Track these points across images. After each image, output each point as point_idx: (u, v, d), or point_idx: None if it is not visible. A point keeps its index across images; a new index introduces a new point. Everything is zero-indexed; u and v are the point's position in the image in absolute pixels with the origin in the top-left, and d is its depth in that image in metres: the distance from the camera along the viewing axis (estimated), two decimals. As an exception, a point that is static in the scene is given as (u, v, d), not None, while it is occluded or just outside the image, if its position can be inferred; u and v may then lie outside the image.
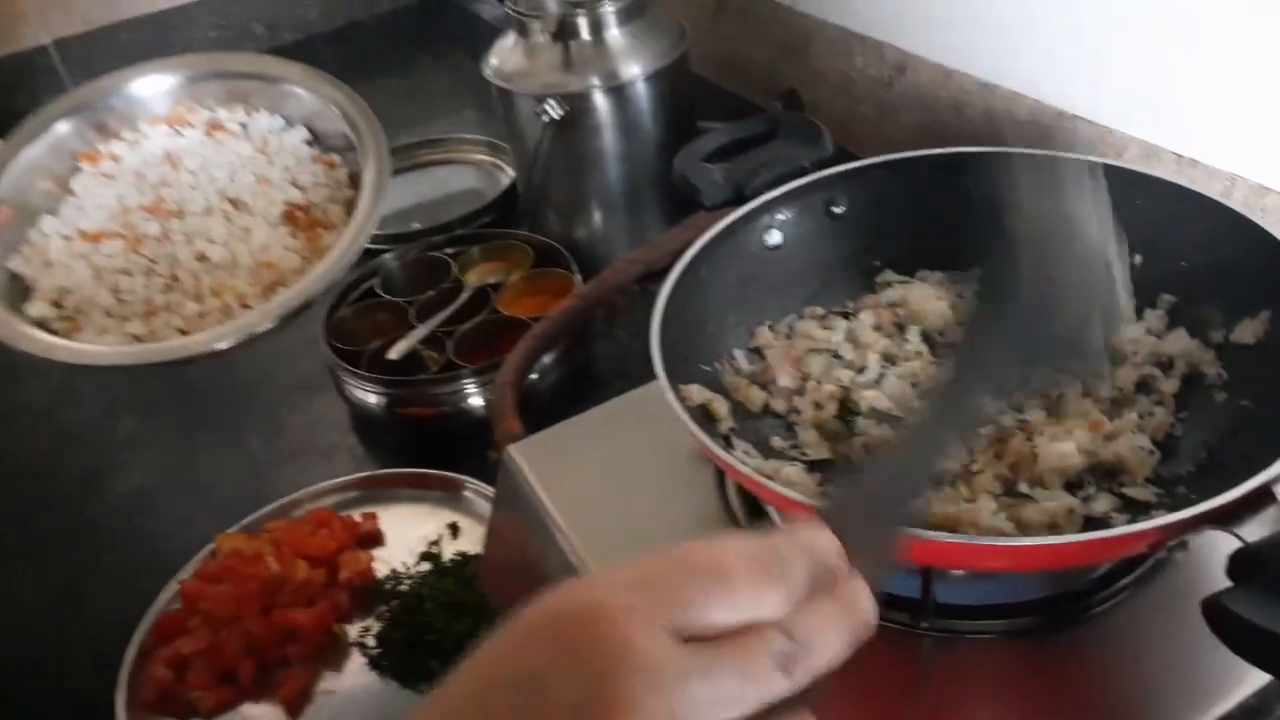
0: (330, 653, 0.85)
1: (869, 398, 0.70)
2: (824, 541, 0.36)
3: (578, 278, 1.13)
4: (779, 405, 0.73)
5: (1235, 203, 0.77)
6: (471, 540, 0.91)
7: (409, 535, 0.93)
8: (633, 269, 1.01)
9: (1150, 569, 0.60)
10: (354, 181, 0.92)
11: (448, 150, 1.57)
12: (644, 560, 0.33)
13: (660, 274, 0.75)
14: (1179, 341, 0.69)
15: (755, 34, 1.36)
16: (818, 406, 0.71)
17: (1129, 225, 0.72)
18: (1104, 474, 0.63)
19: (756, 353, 0.76)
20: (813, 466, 0.68)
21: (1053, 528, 0.59)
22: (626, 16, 1.14)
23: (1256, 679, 0.53)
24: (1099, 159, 0.81)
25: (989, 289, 0.56)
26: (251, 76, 0.99)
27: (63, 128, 0.98)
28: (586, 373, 1.12)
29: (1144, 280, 0.72)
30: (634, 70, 1.14)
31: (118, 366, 0.86)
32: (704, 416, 0.67)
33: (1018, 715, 0.58)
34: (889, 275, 0.79)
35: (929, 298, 0.76)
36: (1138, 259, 0.73)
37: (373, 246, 1.34)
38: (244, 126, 1.00)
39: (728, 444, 0.67)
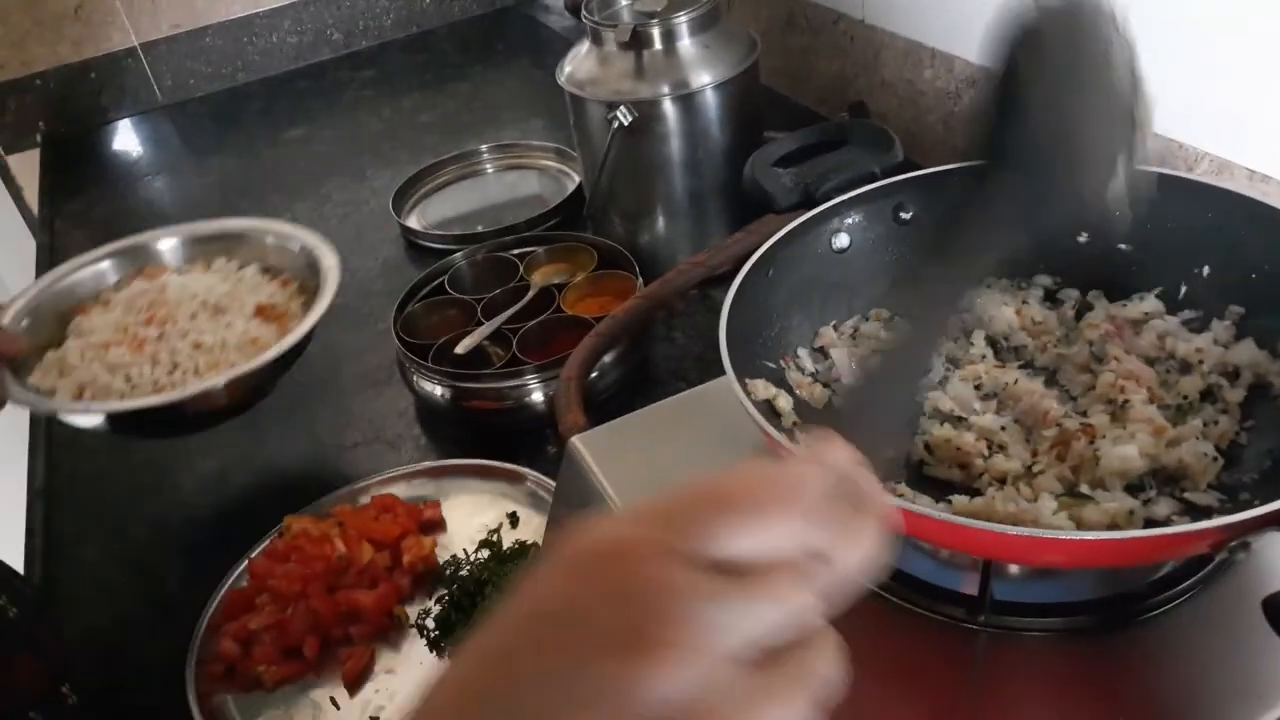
0: (391, 633, 0.87)
1: (932, 398, 0.71)
2: (840, 453, 0.37)
3: (640, 280, 1.15)
4: (842, 404, 0.74)
5: (1307, 217, 0.77)
6: (530, 530, 0.93)
7: (470, 523, 0.95)
8: (695, 271, 1.03)
9: (1211, 572, 0.60)
10: (303, 289, 1.11)
11: (516, 156, 1.61)
12: (667, 495, 0.34)
13: (721, 279, 0.76)
14: (1246, 351, 0.68)
15: (825, 46, 1.37)
16: (880, 406, 0.72)
17: (1200, 237, 0.73)
18: (1165, 478, 0.63)
19: (821, 352, 0.77)
20: (873, 464, 0.69)
21: (1113, 528, 0.59)
22: (699, 27, 1.16)
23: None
24: (1172, 171, 0.82)
25: (989, 164, 0.51)
26: (220, 236, 1.19)
27: (77, 275, 1.13)
28: (645, 373, 1.14)
29: (1213, 291, 0.73)
30: (704, 79, 1.16)
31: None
32: (769, 411, 0.69)
33: (1072, 714, 0.58)
34: (954, 281, 0.80)
35: (994, 304, 0.76)
36: (1206, 270, 0.73)
37: (442, 246, 1.38)
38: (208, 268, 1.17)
39: (791, 438, 0.68)
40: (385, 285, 1.34)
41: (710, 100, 1.17)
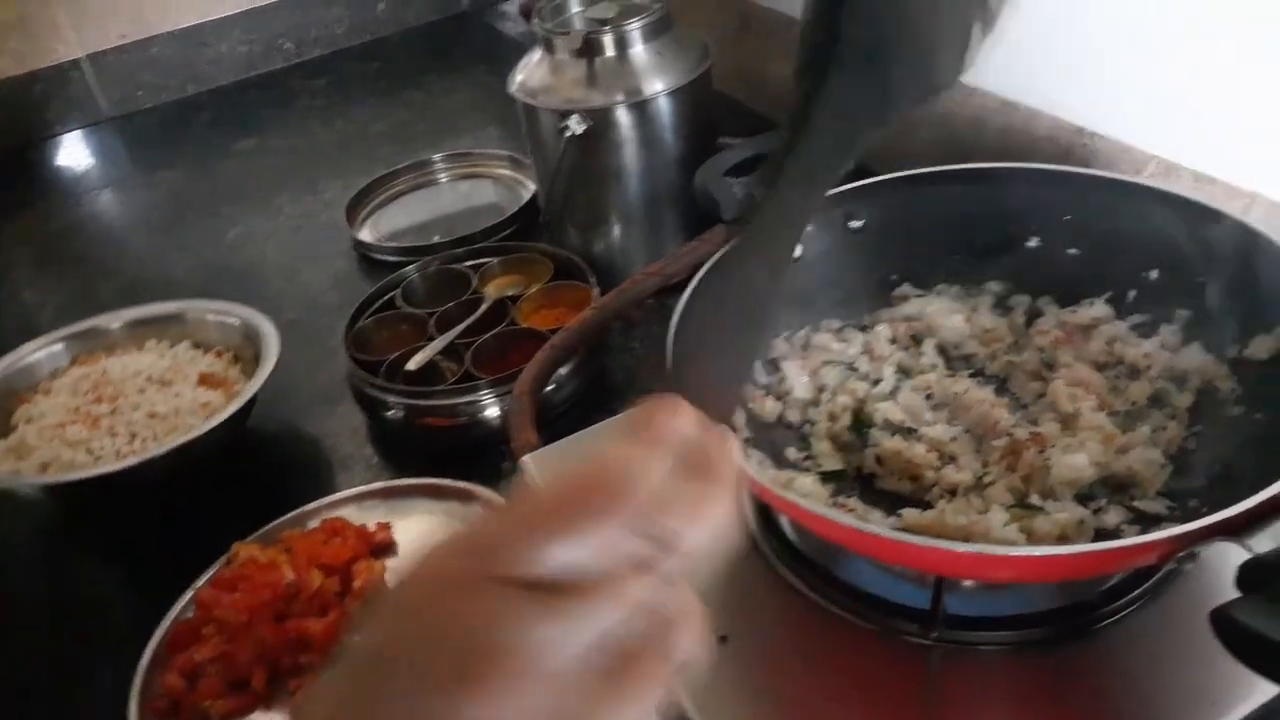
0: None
1: (883, 410, 0.70)
2: (680, 421, 0.35)
3: (596, 290, 1.14)
4: (793, 416, 0.73)
5: (1254, 220, 0.77)
6: (486, 549, 0.91)
7: (422, 545, 0.93)
8: (650, 281, 1.02)
9: (1160, 581, 0.60)
10: (238, 358, 1.16)
11: (470, 164, 1.59)
12: (490, 517, 0.33)
13: (677, 287, 0.76)
14: (1194, 356, 0.69)
15: (778, 51, 1.37)
16: (832, 418, 0.71)
17: (1148, 241, 0.73)
18: (1116, 486, 0.63)
19: (773, 364, 0.77)
20: (826, 477, 0.69)
21: (1063, 539, 0.59)
22: (651, 34, 1.15)
23: (1265, 691, 0.53)
24: (1119, 175, 0.82)
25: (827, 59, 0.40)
26: (151, 320, 1.21)
27: (10, 368, 1.15)
28: (602, 384, 1.13)
29: (1161, 295, 0.73)
30: (657, 86, 1.15)
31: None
32: (718, 426, 0.68)
33: (1028, 728, 0.57)
34: (906, 289, 0.80)
35: (945, 311, 0.76)
36: (1155, 273, 0.73)
37: (395, 259, 1.36)
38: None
39: (742, 454, 0.67)
40: (337, 299, 1.32)
41: (664, 107, 1.16)
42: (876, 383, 0.73)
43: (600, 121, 1.15)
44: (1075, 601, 0.60)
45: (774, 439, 0.71)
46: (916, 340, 0.76)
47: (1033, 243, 0.77)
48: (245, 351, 1.16)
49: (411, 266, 1.23)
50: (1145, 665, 0.57)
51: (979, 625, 0.60)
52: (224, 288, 1.28)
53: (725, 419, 0.37)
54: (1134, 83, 0.87)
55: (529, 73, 1.20)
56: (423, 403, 1.03)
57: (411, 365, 1.05)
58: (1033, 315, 0.77)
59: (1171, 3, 0.81)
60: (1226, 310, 0.68)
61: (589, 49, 1.15)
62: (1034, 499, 0.62)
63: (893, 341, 0.76)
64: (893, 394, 0.72)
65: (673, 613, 0.32)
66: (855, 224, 0.79)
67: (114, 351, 1.18)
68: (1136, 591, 0.59)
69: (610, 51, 1.15)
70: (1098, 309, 0.74)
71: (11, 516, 1.09)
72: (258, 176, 1.70)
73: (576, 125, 1.14)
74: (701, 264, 0.74)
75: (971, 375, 0.74)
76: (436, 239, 1.38)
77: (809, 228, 0.78)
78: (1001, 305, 0.78)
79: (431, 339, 1.10)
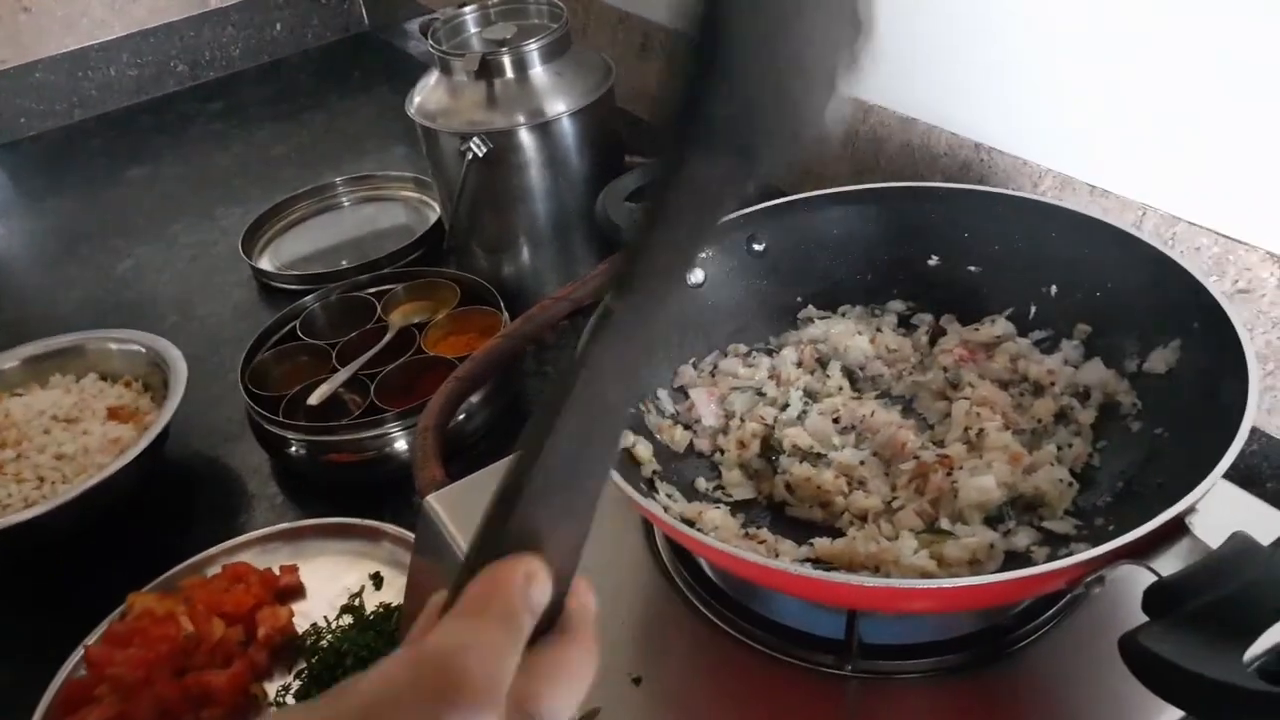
0: (250, 714, 0.81)
1: (791, 435, 0.69)
2: (533, 590, 0.33)
3: (505, 315, 1.12)
4: (703, 445, 0.72)
5: (1146, 232, 0.79)
6: (395, 590, 0.88)
7: (331, 587, 0.90)
8: (559, 306, 1.00)
9: (1072, 601, 0.60)
10: (147, 386, 1.13)
11: (374, 186, 1.55)
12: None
13: (589, 310, 0.74)
14: (1095, 371, 0.69)
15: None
16: (741, 445, 0.70)
17: (1046, 256, 0.74)
18: (1024, 507, 0.63)
19: (681, 392, 0.75)
20: (737, 507, 0.68)
21: (974, 563, 0.59)
22: (550, 54, 1.13)
23: (1175, 713, 0.53)
24: (1015, 191, 0.83)
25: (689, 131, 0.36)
26: (53, 353, 1.18)
27: None
28: (518, 411, 1.10)
29: (1060, 310, 0.73)
30: (559, 107, 1.13)
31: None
32: (626, 461, 0.66)
33: (946, 756, 0.57)
34: (811, 311, 0.79)
35: (850, 333, 0.76)
36: (1054, 289, 0.74)
37: (297, 287, 1.32)
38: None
39: (651, 488, 0.66)
40: (236, 333, 1.27)
41: (567, 128, 1.15)
42: (785, 407, 0.72)
43: (502, 144, 1.13)
44: (990, 625, 0.59)
45: (684, 469, 0.70)
46: (823, 363, 0.75)
47: (933, 261, 0.78)
48: (154, 378, 1.12)
49: (311, 296, 1.19)
50: (1063, 686, 0.57)
51: (895, 654, 0.59)
52: (117, 323, 1.23)
53: (574, 564, 0.35)
54: (1030, 98, 0.88)
55: (426, 95, 1.18)
56: (326, 438, 1.00)
57: (313, 400, 1.02)
58: (937, 334, 0.77)
59: (1064, 20, 0.82)
60: (1124, 324, 0.69)
61: (487, 70, 1.12)
62: (943, 523, 0.61)
63: (799, 365, 0.75)
64: (800, 419, 0.71)
65: None
66: (757, 247, 0.78)
67: (14, 391, 1.13)
68: (1050, 612, 0.59)
69: (510, 73, 1.13)
70: (999, 326, 0.74)
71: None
72: (151, 205, 1.64)
73: (478, 148, 1.11)
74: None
75: (878, 396, 0.73)
76: (345, 264, 1.34)
77: (711, 251, 0.77)
78: (905, 324, 0.78)
79: (334, 371, 1.06)
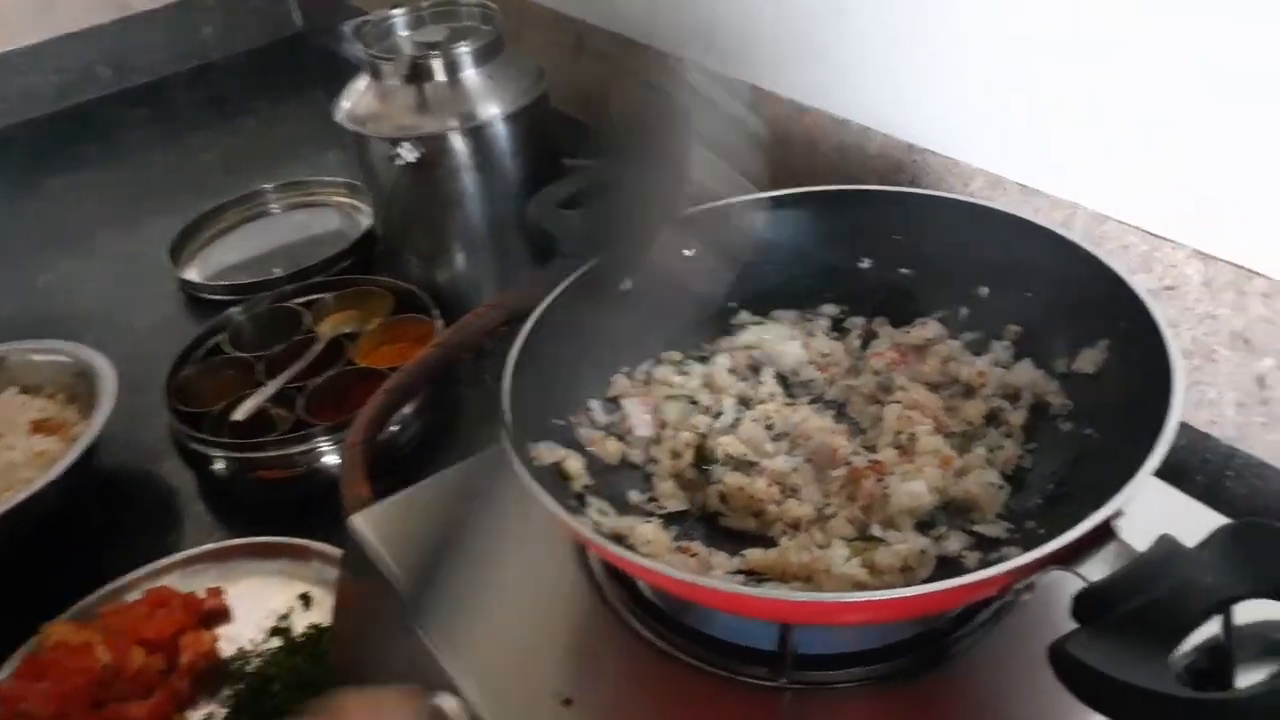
0: (173, 745, 0.79)
1: (724, 444, 0.68)
2: None
3: (439, 323, 1.10)
4: (636, 456, 0.70)
5: (1076, 231, 0.79)
6: (325, 611, 0.86)
7: (258, 609, 0.87)
8: (494, 314, 0.98)
9: (1003, 606, 0.59)
10: (72, 398, 1.09)
11: (306, 193, 1.52)
12: None
13: (525, 318, 0.72)
14: (1025, 372, 0.69)
15: (615, 73, 1.35)
16: (675, 455, 0.69)
17: (976, 257, 0.73)
18: (955, 511, 0.63)
19: (613, 402, 0.74)
20: (670, 519, 0.66)
21: (906, 570, 0.58)
22: (482, 58, 1.11)
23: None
24: (948, 193, 0.83)
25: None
26: None
27: None
28: (452, 422, 1.08)
29: (991, 311, 0.73)
30: (492, 111, 1.11)
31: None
32: (555, 477, 0.65)
33: (882, 767, 0.56)
34: (744, 316, 0.78)
35: (783, 338, 0.75)
36: (984, 290, 0.74)
37: (226, 298, 1.28)
38: None
39: (581, 503, 0.64)
40: (162, 347, 1.22)
41: (501, 132, 1.13)
42: (718, 416, 0.71)
43: (434, 149, 1.10)
44: (927, 629, 0.59)
45: (618, 482, 0.69)
46: (755, 369, 0.74)
47: (865, 263, 0.77)
48: (79, 389, 1.08)
49: (237, 307, 1.16)
50: (1001, 690, 0.57)
51: (830, 664, 0.58)
52: (38, 338, 1.18)
53: None
54: (959, 99, 0.88)
55: (356, 100, 1.15)
56: (252, 455, 0.97)
57: (238, 415, 0.99)
58: (869, 337, 0.76)
59: (994, 20, 0.82)
60: (1053, 325, 0.69)
61: (418, 74, 1.10)
62: (875, 529, 0.61)
63: (732, 372, 0.74)
64: (734, 426, 0.70)
65: None
66: (688, 252, 0.77)
67: None
68: (986, 615, 0.59)
69: (440, 76, 1.11)
70: (930, 328, 0.74)
71: None
72: (74, 215, 1.59)
73: (408, 153, 1.09)
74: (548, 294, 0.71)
75: (811, 402, 0.72)
76: (276, 272, 1.31)
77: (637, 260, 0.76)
78: (838, 328, 0.77)
79: (261, 385, 1.03)
